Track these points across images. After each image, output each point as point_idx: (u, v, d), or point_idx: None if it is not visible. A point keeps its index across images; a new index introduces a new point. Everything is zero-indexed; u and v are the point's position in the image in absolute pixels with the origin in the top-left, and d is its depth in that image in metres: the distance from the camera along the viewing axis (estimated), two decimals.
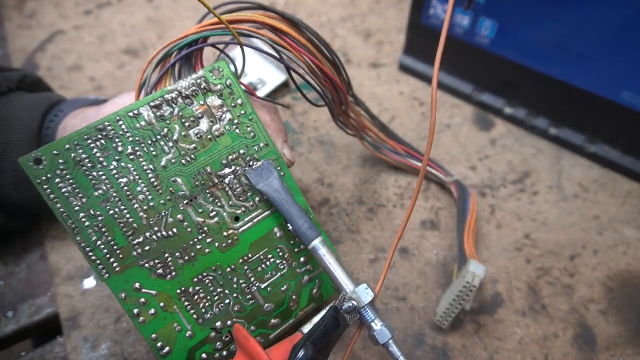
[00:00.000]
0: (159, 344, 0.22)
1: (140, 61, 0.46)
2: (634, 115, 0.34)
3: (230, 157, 0.24)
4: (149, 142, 0.22)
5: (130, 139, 0.22)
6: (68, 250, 0.32)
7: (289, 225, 0.24)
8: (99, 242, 0.21)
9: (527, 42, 0.36)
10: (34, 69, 0.45)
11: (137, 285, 0.22)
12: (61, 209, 0.21)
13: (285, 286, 0.25)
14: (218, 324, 0.23)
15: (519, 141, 0.39)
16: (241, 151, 0.24)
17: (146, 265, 0.22)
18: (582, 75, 0.35)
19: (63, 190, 0.21)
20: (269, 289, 0.24)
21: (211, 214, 0.23)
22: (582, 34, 0.34)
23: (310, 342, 0.19)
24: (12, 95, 0.31)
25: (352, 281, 0.23)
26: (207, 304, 0.23)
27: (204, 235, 0.23)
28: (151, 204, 0.22)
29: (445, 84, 0.43)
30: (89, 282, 0.31)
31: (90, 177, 0.21)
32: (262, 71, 0.43)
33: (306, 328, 0.22)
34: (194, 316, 0.22)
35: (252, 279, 0.24)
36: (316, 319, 0.22)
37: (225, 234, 0.23)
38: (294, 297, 0.25)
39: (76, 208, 0.21)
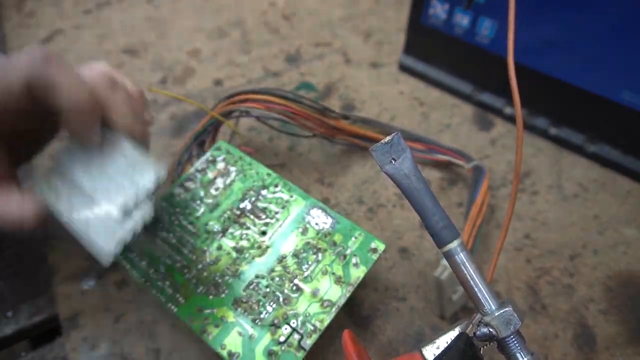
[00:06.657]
0: (228, 351, 0.25)
1: (140, 61, 0.46)
2: (634, 115, 0.34)
3: (244, 194, 0.30)
4: (185, 206, 0.30)
5: (171, 210, 0.30)
6: (67, 250, 0.32)
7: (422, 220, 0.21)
8: (164, 286, 0.27)
9: (527, 42, 0.36)
10: None
11: (198, 307, 0.26)
12: (135, 273, 0.28)
13: (325, 270, 0.27)
14: (275, 320, 0.25)
15: None
16: (252, 187, 0.30)
17: (203, 291, 0.27)
18: (582, 75, 0.35)
19: (135, 259, 0.28)
20: (310, 277, 0.27)
21: (242, 237, 0.29)
22: (582, 34, 0.34)
23: None
24: None
25: (496, 300, 0.19)
26: (260, 306, 0.26)
27: (241, 253, 0.28)
28: (195, 246, 0.29)
29: (445, 84, 0.43)
30: (89, 282, 0.31)
31: (150, 246, 0.29)
32: None
33: (427, 350, 0.20)
34: (251, 319, 0.26)
35: (292, 274, 0.27)
36: (440, 340, 0.20)
37: (257, 247, 0.28)
38: (336, 275, 0.27)
39: (144, 268, 0.28)
